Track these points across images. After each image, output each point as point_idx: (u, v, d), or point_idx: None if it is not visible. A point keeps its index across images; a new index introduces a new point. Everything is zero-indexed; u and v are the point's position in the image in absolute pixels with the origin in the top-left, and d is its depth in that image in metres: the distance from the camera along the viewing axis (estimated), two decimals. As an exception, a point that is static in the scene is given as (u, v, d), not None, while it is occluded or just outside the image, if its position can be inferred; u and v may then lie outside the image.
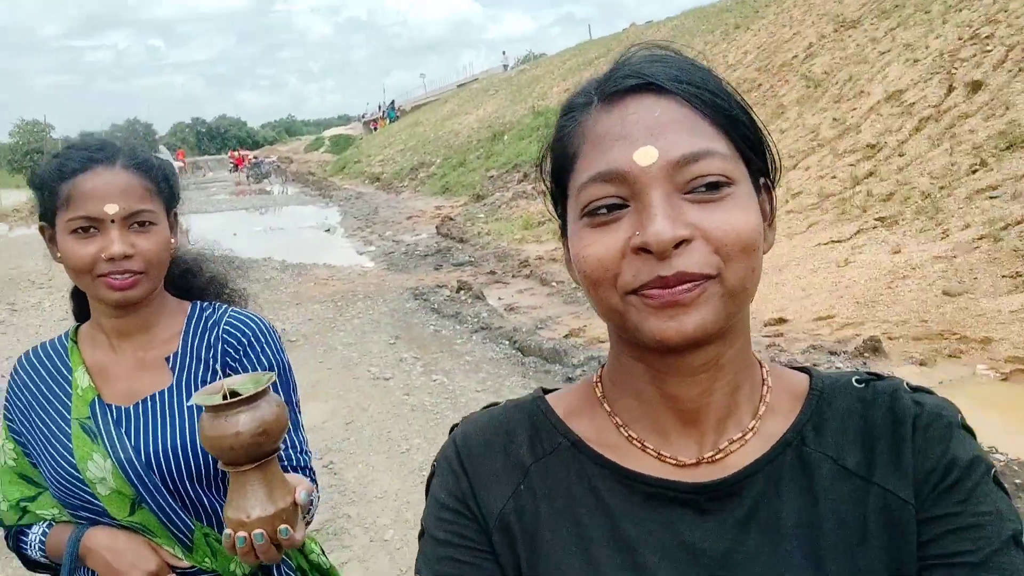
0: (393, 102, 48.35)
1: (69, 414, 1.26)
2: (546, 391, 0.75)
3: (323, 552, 1.42)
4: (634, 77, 0.61)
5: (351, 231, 13.93)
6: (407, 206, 16.90)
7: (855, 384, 0.66)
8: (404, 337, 6.16)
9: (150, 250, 1.19)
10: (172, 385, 1.25)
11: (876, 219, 6.54)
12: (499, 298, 7.30)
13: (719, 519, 0.62)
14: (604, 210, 0.60)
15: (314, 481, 1.25)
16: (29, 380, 1.31)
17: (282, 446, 0.97)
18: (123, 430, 1.23)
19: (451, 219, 12.52)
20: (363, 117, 64.02)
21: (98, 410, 1.24)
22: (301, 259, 10.29)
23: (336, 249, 11.89)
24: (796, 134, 9.49)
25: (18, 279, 10.07)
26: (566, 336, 5.63)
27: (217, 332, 1.28)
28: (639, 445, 0.66)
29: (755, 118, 0.64)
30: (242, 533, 0.93)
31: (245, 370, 1.25)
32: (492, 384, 4.86)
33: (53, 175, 1.19)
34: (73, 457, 1.23)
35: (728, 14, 18.58)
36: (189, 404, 1.10)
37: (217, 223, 17.48)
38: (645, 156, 0.58)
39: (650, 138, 0.58)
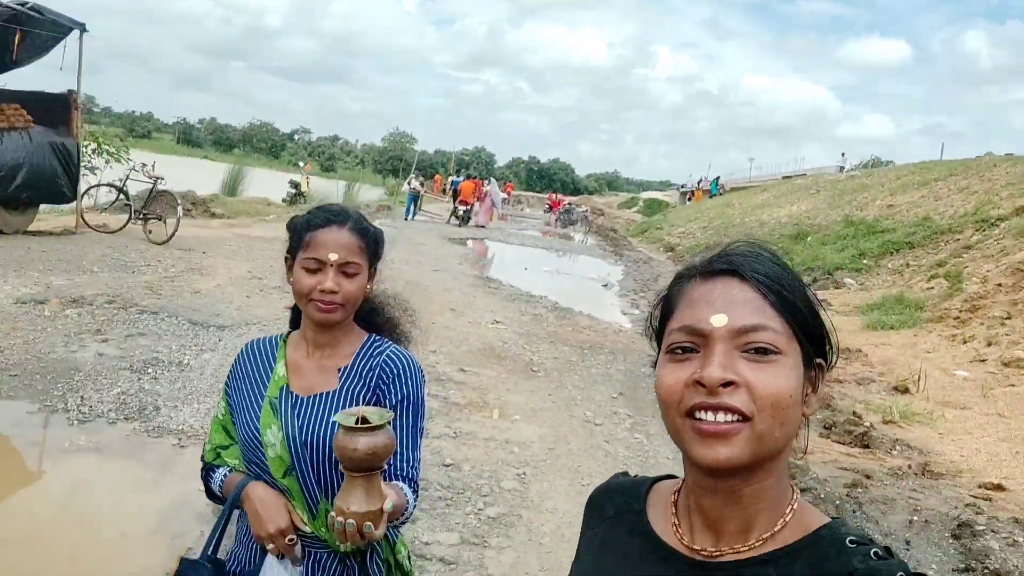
0: (718, 178, 48.70)
1: (265, 392, 1.66)
2: (668, 476, 1.02)
3: (409, 557, 1.76)
4: (725, 263, 0.84)
5: (625, 291, 14.76)
6: (688, 282, 17.29)
7: (848, 542, 0.78)
8: (627, 395, 6.75)
9: (351, 291, 1.60)
10: (336, 390, 1.63)
11: None
12: (730, 388, 7.56)
13: None
14: (680, 350, 0.82)
15: (415, 491, 1.59)
16: (248, 360, 1.73)
17: (386, 466, 1.30)
18: (296, 413, 1.61)
19: (721, 304, 12.76)
20: (682, 187, 65.19)
21: (284, 394, 1.64)
22: (571, 304, 11.29)
23: (604, 304, 12.76)
24: None
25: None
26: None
27: (378, 361, 1.65)
28: (676, 530, 0.90)
29: (819, 311, 0.85)
30: (340, 519, 1.23)
31: (391, 393, 1.62)
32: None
33: (304, 224, 1.64)
34: (259, 423, 1.62)
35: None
36: (334, 417, 1.35)
37: (518, 255, 19.41)
38: (718, 320, 0.79)
39: (725, 308, 0.80)
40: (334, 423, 1.46)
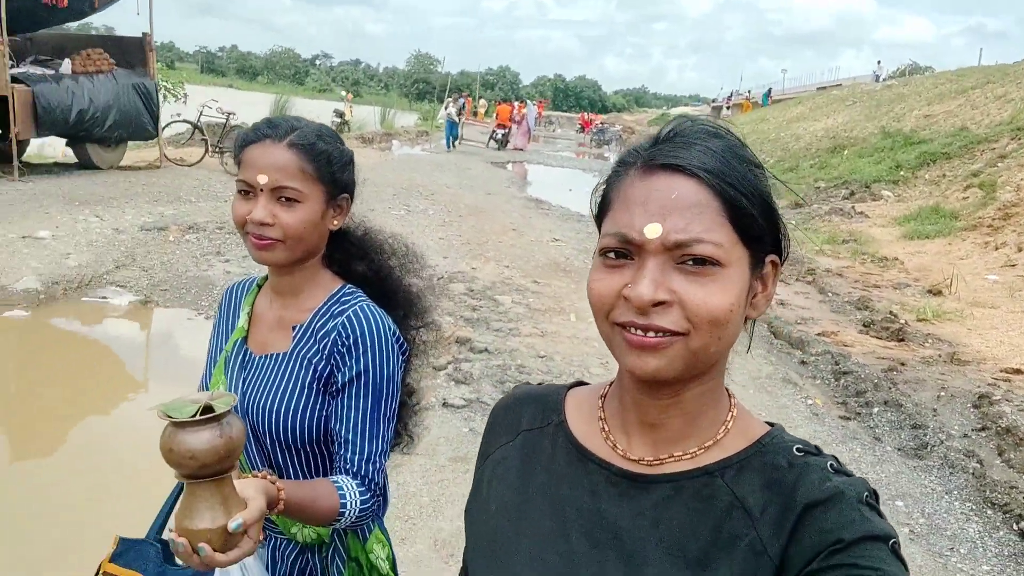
0: (770, 89, 47.78)
1: (225, 345, 1.44)
2: (580, 383, 0.94)
3: (392, 561, 1.50)
4: (671, 158, 0.73)
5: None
6: (727, 198, 17.81)
7: (795, 451, 0.75)
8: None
9: (289, 223, 1.29)
10: (287, 352, 1.36)
11: None
12: (776, 293, 8.34)
13: (630, 504, 0.78)
14: (613, 255, 0.74)
15: (370, 491, 1.30)
16: (223, 306, 1.52)
17: (235, 470, 0.96)
18: (244, 375, 1.39)
19: (762, 219, 13.38)
20: (713, 101, 64.27)
21: (237, 349, 1.41)
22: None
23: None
24: None
25: (411, 188, 13.11)
26: (818, 334, 6.62)
27: (337, 322, 1.34)
28: (607, 438, 0.83)
29: (773, 204, 0.76)
30: (173, 536, 0.94)
31: (345, 366, 1.32)
32: (739, 346, 6.10)
33: (238, 140, 1.36)
34: (209, 382, 1.42)
35: None
36: (157, 406, 0.94)
37: (558, 176, 20.02)
38: (652, 231, 0.71)
39: (661, 215, 0.71)
40: (283, 387, 1.33)
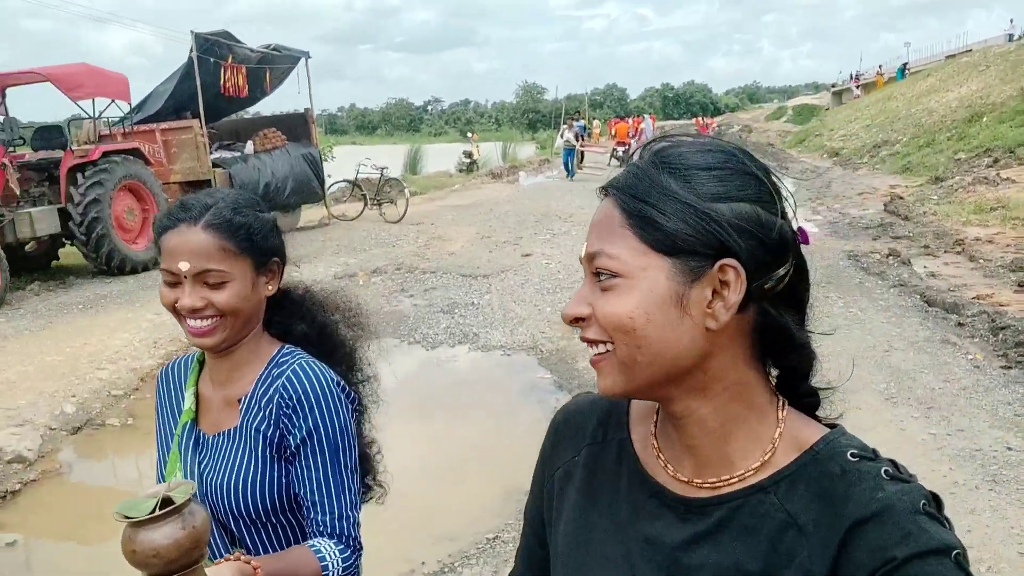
0: (906, 64, 45.71)
1: (175, 429, 1.39)
2: None
3: None
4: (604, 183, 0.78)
5: (801, 201, 15.49)
6: (861, 183, 17.65)
7: (849, 456, 0.71)
8: (833, 283, 7.94)
9: (221, 303, 1.26)
10: (237, 427, 1.34)
11: None
12: (924, 266, 8.51)
13: (688, 529, 0.76)
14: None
15: (351, 548, 1.29)
16: (163, 389, 1.46)
17: (204, 560, 0.91)
18: (200, 457, 1.36)
19: (900, 198, 13.32)
20: (833, 86, 61.99)
21: (187, 432, 1.37)
22: (755, 220, 12.39)
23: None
24: None
25: (549, 214, 14.00)
26: (973, 298, 6.85)
27: (277, 385, 1.31)
28: (659, 456, 0.81)
29: (710, 217, 0.70)
30: None
31: (295, 428, 1.29)
32: (895, 319, 6.49)
33: (157, 228, 1.32)
34: (164, 470, 1.38)
35: None
36: (115, 508, 0.88)
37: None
38: (583, 249, 0.76)
39: (590, 234, 0.76)
40: (239, 462, 1.31)
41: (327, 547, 1.26)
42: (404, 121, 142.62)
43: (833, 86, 63.19)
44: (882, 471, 0.69)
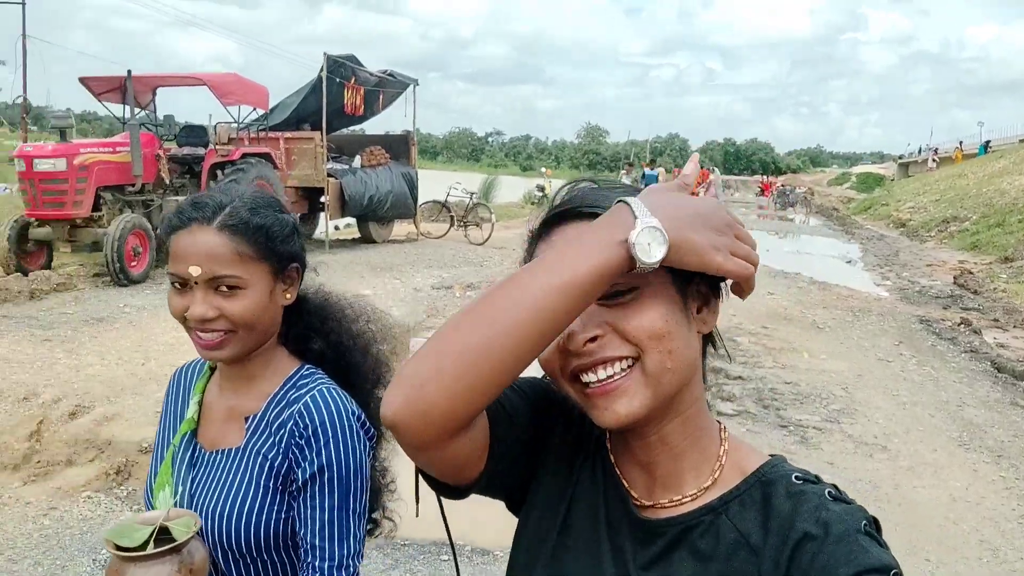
0: (988, 142, 45.48)
1: (173, 439, 1.29)
2: None
3: None
4: (559, 208, 0.80)
5: (870, 267, 15.92)
6: (929, 255, 17.95)
7: (793, 479, 0.74)
8: (906, 343, 8.43)
9: (235, 313, 1.16)
10: (240, 448, 1.23)
11: None
12: (994, 337, 8.93)
13: (644, 551, 0.77)
14: None
15: None
16: (171, 390, 1.38)
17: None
18: (194, 474, 1.25)
19: (971, 273, 13.66)
20: (900, 158, 61.79)
21: (186, 444, 1.26)
22: (825, 278, 12.88)
23: (855, 277, 14.15)
24: None
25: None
26: (1042, 368, 7.29)
27: (292, 411, 1.21)
28: (620, 475, 0.82)
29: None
30: None
31: (304, 461, 1.18)
32: (967, 380, 6.96)
33: (165, 229, 1.22)
34: (154, 481, 1.25)
35: None
36: (102, 533, 0.85)
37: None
38: None
39: None
40: (236, 488, 1.19)
41: None
42: (466, 150, 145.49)
43: (900, 157, 63.00)
44: (826, 492, 0.72)
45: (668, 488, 0.79)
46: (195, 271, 1.15)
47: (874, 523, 0.70)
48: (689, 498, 0.78)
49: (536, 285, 0.69)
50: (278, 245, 1.22)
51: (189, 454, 1.26)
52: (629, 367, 0.73)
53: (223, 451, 1.24)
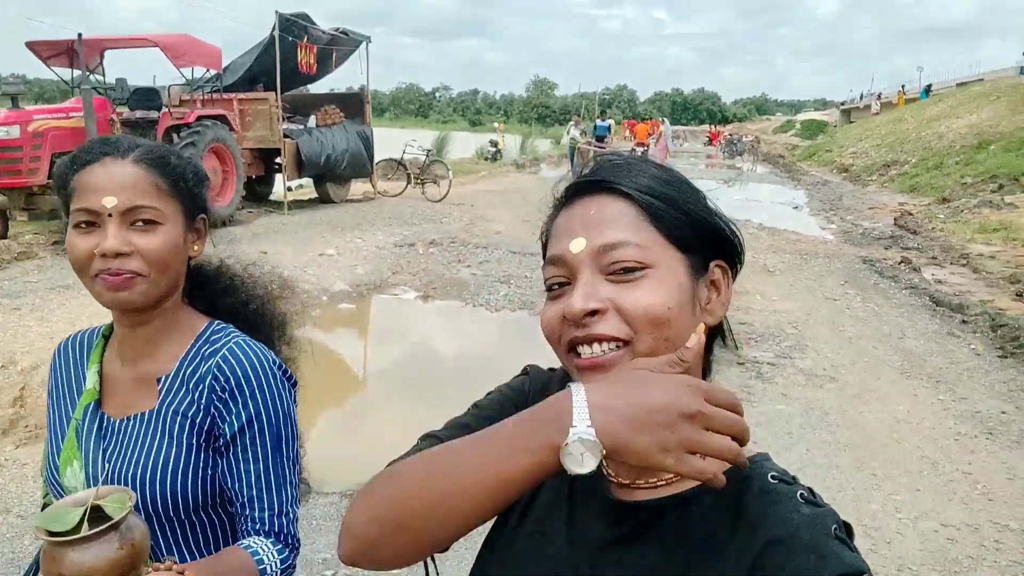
0: (930, 85, 46.33)
1: (73, 412, 1.22)
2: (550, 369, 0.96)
3: None
4: (584, 179, 0.80)
5: (815, 211, 16.49)
6: (871, 198, 18.61)
7: (769, 479, 0.74)
8: (851, 282, 8.89)
9: (150, 250, 1.10)
10: (154, 411, 1.17)
11: None
12: (932, 274, 9.47)
13: (609, 532, 0.78)
14: (556, 286, 0.77)
15: (289, 547, 1.18)
16: (60, 367, 1.29)
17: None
18: (104, 444, 1.18)
19: (910, 214, 14.28)
20: (842, 104, 63.00)
21: (90, 416, 1.20)
22: (774, 224, 13.34)
23: (802, 223, 14.65)
24: None
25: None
26: (978, 301, 7.80)
27: (210, 365, 1.16)
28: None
29: (708, 214, 0.79)
30: None
31: (230, 414, 1.15)
32: (907, 314, 7.44)
33: (68, 165, 1.14)
34: (59, 459, 1.20)
35: None
36: (34, 521, 0.81)
37: (703, 188, 21.30)
38: (576, 245, 0.75)
39: (584, 230, 0.75)
40: (155, 450, 1.14)
41: (264, 547, 1.14)
42: (413, 106, 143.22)
43: (842, 103, 64.20)
44: (798, 494, 0.71)
45: (647, 469, 0.74)
46: (110, 201, 1.09)
47: (845, 527, 0.70)
48: (664, 482, 0.78)
49: (471, 467, 0.70)
50: (192, 187, 1.20)
51: (96, 425, 1.20)
52: (620, 347, 0.73)
53: (136, 416, 1.19)
